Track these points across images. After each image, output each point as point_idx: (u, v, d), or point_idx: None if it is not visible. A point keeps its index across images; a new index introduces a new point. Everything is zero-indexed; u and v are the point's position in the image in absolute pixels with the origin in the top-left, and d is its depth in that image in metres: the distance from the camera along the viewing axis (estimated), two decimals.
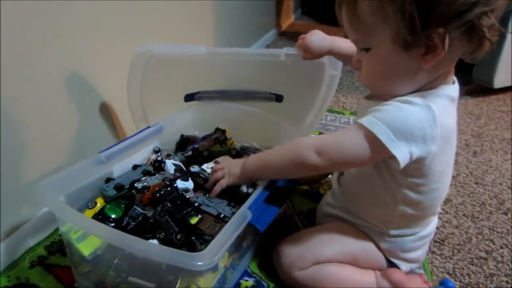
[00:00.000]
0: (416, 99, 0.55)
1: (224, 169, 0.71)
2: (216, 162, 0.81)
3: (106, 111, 0.96)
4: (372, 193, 0.67)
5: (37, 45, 0.73)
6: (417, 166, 0.59)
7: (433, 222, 0.71)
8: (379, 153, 0.57)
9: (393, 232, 0.68)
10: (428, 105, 0.55)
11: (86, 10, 0.83)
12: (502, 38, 1.64)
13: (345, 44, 0.79)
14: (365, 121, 0.56)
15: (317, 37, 0.81)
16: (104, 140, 0.95)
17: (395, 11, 0.50)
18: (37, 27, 0.72)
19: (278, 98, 1.00)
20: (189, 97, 0.97)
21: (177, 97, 0.97)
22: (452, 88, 0.60)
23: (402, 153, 0.55)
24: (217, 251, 0.52)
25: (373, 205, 0.69)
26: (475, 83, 1.82)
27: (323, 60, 0.89)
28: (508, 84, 1.82)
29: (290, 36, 2.81)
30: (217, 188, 0.71)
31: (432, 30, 0.50)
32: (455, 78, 0.62)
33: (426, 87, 0.58)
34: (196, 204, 0.70)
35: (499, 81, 1.75)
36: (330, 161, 0.59)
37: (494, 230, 0.91)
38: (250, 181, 0.72)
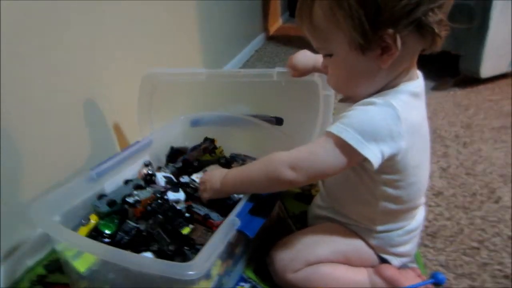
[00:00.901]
0: (378, 99, 0.58)
1: (206, 183, 0.72)
2: (205, 172, 0.83)
3: (106, 128, 0.99)
4: (353, 193, 0.69)
5: (39, 62, 0.76)
6: (391, 163, 0.60)
7: (419, 215, 0.73)
8: (352, 158, 0.58)
9: (379, 228, 0.69)
10: (389, 103, 0.57)
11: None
12: (485, 28, 1.67)
13: None
14: (334, 128, 0.58)
15: (303, 56, 0.87)
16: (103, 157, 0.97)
17: (344, 17, 0.53)
18: (35, 44, 0.75)
19: (278, 121, 1.02)
20: (195, 123, 1.00)
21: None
22: (415, 84, 0.61)
23: (374, 154, 0.56)
24: (206, 259, 0.54)
25: (356, 204, 0.70)
26: (463, 74, 1.84)
27: (315, 79, 0.94)
28: (495, 73, 1.83)
29: (279, 40, 2.83)
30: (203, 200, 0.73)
31: (382, 31, 0.53)
32: (419, 73, 0.64)
33: (389, 86, 0.60)
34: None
35: (486, 70, 1.77)
36: (306, 175, 0.60)
37: (485, 220, 0.93)
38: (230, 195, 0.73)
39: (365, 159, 0.57)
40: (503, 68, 1.85)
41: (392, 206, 0.66)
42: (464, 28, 1.77)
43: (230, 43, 2.10)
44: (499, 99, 1.69)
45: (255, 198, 0.68)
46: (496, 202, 0.99)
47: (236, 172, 0.70)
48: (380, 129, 0.56)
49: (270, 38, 2.88)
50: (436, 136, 1.36)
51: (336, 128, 0.57)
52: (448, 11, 0.54)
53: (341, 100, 0.70)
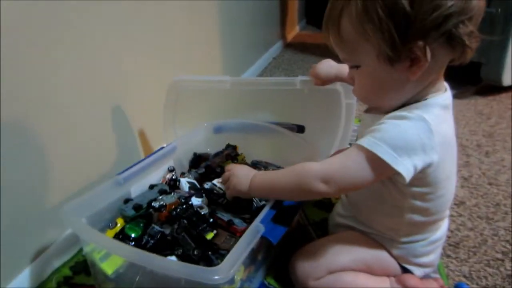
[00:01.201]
0: (410, 113, 0.58)
1: (232, 181, 0.71)
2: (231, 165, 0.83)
3: (130, 134, 1.01)
4: (379, 204, 0.69)
5: (68, 71, 0.79)
6: (422, 176, 0.60)
7: (443, 226, 0.72)
8: (384, 172, 0.58)
9: (403, 239, 0.69)
10: (422, 117, 0.57)
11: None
12: (507, 36, 1.65)
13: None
14: (365, 142, 0.57)
15: (325, 65, 0.89)
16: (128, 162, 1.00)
17: (373, 30, 0.53)
18: (63, 53, 0.78)
19: (300, 129, 1.03)
20: (218, 129, 1.02)
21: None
22: (444, 96, 0.61)
23: (407, 168, 0.56)
24: (232, 265, 0.55)
25: (380, 215, 0.70)
26: (484, 82, 1.82)
27: (337, 88, 0.95)
28: None
29: (296, 47, 2.84)
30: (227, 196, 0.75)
31: (412, 44, 0.53)
32: (446, 85, 0.64)
33: (416, 97, 0.60)
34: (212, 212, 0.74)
35: (508, 79, 1.74)
36: (337, 188, 0.61)
37: (509, 231, 0.91)
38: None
39: (397, 173, 0.56)
40: None
41: (418, 218, 0.66)
42: (486, 36, 1.76)
43: (249, 51, 2.12)
44: None
45: (278, 206, 0.69)
46: None
47: (265, 178, 0.69)
48: (413, 143, 0.56)
49: (288, 46, 2.89)
50: (457, 145, 1.34)
51: (368, 142, 0.57)
52: (478, 22, 0.54)
53: (367, 111, 0.70)
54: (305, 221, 0.94)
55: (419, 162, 0.57)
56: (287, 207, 0.70)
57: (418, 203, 0.64)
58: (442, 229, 0.72)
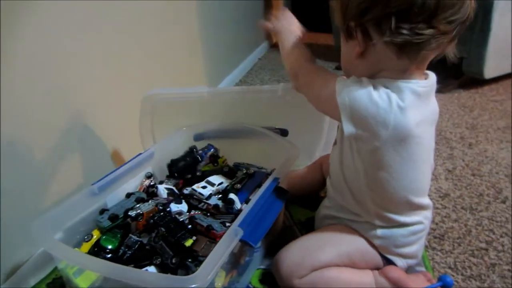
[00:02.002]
0: (380, 86, 0.61)
1: (284, 25, 0.79)
2: (208, 182, 0.83)
3: (107, 147, 0.99)
4: (347, 180, 0.71)
5: (38, 86, 0.76)
6: (367, 148, 0.63)
7: (424, 217, 0.71)
8: (332, 110, 0.63)
9: (377, 222, 0.69)
10: (389, 93, 0.59)
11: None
12: (487, 29, 1.66)
13: None
14: (340, 81, 0.63)
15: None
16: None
17: (336, 7, 0.63)
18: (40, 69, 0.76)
19: (283, 133, 1.01)
20: (198, 137, 1.00)
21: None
22: (419, 83, 0.61)
23: (343, 101, 0.61)
24: (209, 271, 0.53)
25: (350, 192, 0.72)
26: (466, 76, 1.83)
27: None
28: (498, 73, 1.83)
29: None
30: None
31: (348, 22, 0.61)
32: (429, 74, 0.65)
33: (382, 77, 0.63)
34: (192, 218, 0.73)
35: (489, 71, 1.76)
36: (299, 83, 0.75)
37: (493, 220, 0.91)
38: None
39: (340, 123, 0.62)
40: (506, 69, 1.84)
41: (377, 197, 0.68)
42: (466, 30, 1.77)
43: (233, 52, 2.10)
44: (503, 99, 1.68)
45: (258, 205, 0.68)
46: (503, 202, 0.98)
47: (291, 44, 0.76)
48: (368, 107, 0.59)
49: (274, 46, 2.89)
50: (441, 138, 1.35)
51: (342, 82, 0.63)
52: (438, 23, 0.55)
53: None
54: (291, 222, 0.93)
55: (364, 127, 0.60)
56: (268, 208, 0.69)
57: (372, 181, 0.67)
58: (423, 220, 0.71)
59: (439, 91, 1.97)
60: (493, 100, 1.68)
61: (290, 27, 0.78)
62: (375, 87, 0.60)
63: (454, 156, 1.22)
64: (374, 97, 0.59)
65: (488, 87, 1.82)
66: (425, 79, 0.64)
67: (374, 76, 0.63)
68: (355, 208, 0.72)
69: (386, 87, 0.60)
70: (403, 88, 0.60)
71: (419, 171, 0.67)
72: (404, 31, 0.55)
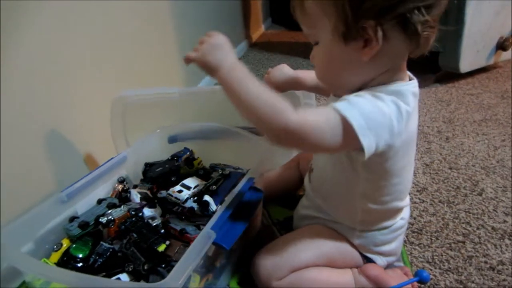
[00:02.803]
0: (384, 96, 0.55)
1: (202, 47, 0.60)
2: (183, 185, 0.81)
3: (76, 153, 0.96)
4: (336, 187, 0.68)
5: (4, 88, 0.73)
6: (380, 161, 0.59)
7: (403, 215, 0.71)
8: (348, 141, 0.53)
9: (360, 227, 0.68)
10: (395, 100, 0.55)
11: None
12: (461, 24, 1.69)
13: (309, 77, 0.81)
14: (340, 105, 0.53)
15: (280, 73, 0.83)
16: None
17: (331, 3, 0.52)
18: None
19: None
20: (172, 139, 0.98)
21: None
22: (413, 83, 0.59)
23: (370, 143, 0.52)
24: (180, 277, 0.52)
25: (338, 199, 0.69)
26: (443, 70, 1.86)
27: (296, 92, 0.91)
28: (474, 67, 1.86)
29: (262, 46, 2.83)
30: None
31: (364, 22, 0.51)
32: (411, 75, 0.62)
33: (373, 83, 0.58)
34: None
35: (465, 65, 1.80)
36: (302, 143, 0.55)
37: (470, 213, 0.92)
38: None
39: (359, 148, 0.53)
40: (481, 62, 1.88)
41: (373, 206, 0.65)
42: (441, 25, 1.79)
43: None
44: (479, 93, 1.71)
45: (232, 207, 0.67)
46: (480, 194, 0.99)
47: (243, 76, 0.56)
48: (383, 121, 0.53)
49: (253, 45, 2.88)
50: (419, 132, 1.34)
51: (342, 106, 0.53)
52: (439, 14, 0.53)
53: (335, 94, 0.68)
54: (269, 221, 0.92)
55: (382, 142, 0.54)
56: (242, 208, 0.68)
57: (371, 189, 0.63)
58: (402, 218, 0.71)
59: None
60: (469, 94, 1.71)
61: (226, 57, 0.58)
62: (379, 98, 0.55)
63: (432, 150, 1.23)
64: (384, 110, 0.54)
65: (465, 81, 1.86)
66: (409, 78, 0.62)
67: (370, 82, 0.58)
68: (339, 216, 0.71)
69: (389, 95, 0.55)
70: (404, 92, 0.56)
71: (411, 172, 0.67)
72: (431, 24, 0.52)
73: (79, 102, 0.94)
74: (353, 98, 0.55)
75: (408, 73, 0.62)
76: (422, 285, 0.72)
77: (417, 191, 1.02)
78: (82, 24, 0.94)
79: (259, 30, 3.25)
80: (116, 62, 1.11)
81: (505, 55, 1.94)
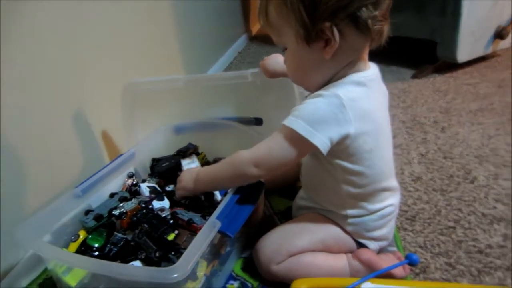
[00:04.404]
0: (325, 91, 0.63)
1: (180, 183, 0.78)
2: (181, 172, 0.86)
3: (90, 144, 1.02)
4: (320, 180, 0.74)
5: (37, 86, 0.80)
6: (342, 148, 0.65)
7: (393, 200, 0.76)
8: (303, 147, 0.64)
9: (350, 213, 0.73)
10: (335, 93, 0.62)
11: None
12: (458, 14, 1.71)
13: None
14: (286, 121, 0.64)
15: (273, 60, 0.93)
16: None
17: (288, 12, 0.60)
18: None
19: (258, 122, 1.06)
20: (179, 130, 1.04)
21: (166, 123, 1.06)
22: (361, 74, 0.65)
23: (322, 141, 0.62)
24: (189, 262, 0.57)
25: (324, 190, 0.75)
26: (441, 60, 1.88)
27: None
28: (471, 57, 1.88)
29: (261, 39, 2.85)
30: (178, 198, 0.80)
31: (320, 24, 0.58)
32: (370, 64, 0.68)
33: (337, 77, 0.65)
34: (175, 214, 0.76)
35: (462, 55, 1.82)
36: (268, 169, 0.68)
37: (461, 200, 0.97)
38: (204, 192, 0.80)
39: (314, 146, 0.61)
40: (479, 52, 1.90)
41: (354, 190, 0.71)
42: (438, 16, 1.82)
43: (212, 47, 2.12)
44: (476, 82, 1.73)
45: (236, 198, 0.72)
46: (472, 182, 1.03)
47: (206, 172, 0.76)
48: (326, 117, 0.62)
49: (253, 39, 2.91)
50: (415, 123, 1.40)
51: (288, 121, 0.64)
52: (387, 8, 0.59)
53: (307, 90, 0.75)
54: (271, 211, 0.97)
55: (334, 134, 0.62)
56: (245, 199, 0.73)
57: (348, 175, 0.69)
58: (391, 204, 0.75)
59: (414, 76, 2.03)
60: (466, 84, 1.73)
61: (190, 178, 0.77)
62: (320, 95, 0.63)
63: (428, 140, 1.27)
64: (324, 106, 0.62)
65: (462, 71, 1.87)
66: (366, 69, 0.67)
67: (333, 77, 0.65)
68: (328, 204, 0.76)
69: (334, 86, 0.64)
70: (348, 82, 0.64)
71: (385, 156, 0.72)
72: (379, 18, 0.58)
73: (93, 92, 1.01)
74: (298, 107, 0.64)
75: (369, 63, 0.68)
76: (413, 268, 0.78)
77: (412, 180, 1.06)
78: (91, 23, 1.00)
79: (259, 23, 3.27)
80: (122, 57, 1.16)
81: (504, 44, 1.96)
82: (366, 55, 0.66)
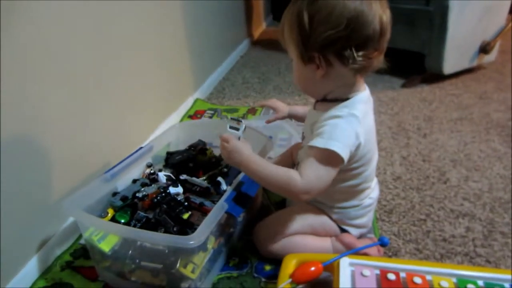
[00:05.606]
0: (340, 112, 0.74)
1: (231, 152, 0.79)
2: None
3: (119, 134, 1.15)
4: None
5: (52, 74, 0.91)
6: (352, 155, 0.77)
7: (373, 194, 0.90)
8: (338, 163, 0.74)
9: (338, 205, 0.87)
10: (352, 113, 0.74)
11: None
12: (444, 29, 1.85)
13: (300, 110, 1.04)
14: (319, 143, 0.72)
15: (280, 103, 1.07)
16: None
17: (292, 37, 0.73)
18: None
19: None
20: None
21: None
22: (364, 93, 0.79)
23: (346, 154, 0.73)
24: (202, 234, 0.71)
25: None
26: (428, 71, 2.02)
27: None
28: (457, 69, 2.02)
29: (263, 44, 2.95)
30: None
31: (311, 53, 0.71)
32: (366, 86, 0.82)
33: (335, 93, 0.78)
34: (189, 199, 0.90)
35: (448, 68, 1.96)
36: (318, 193, 0.76)
37: (434, 197, 1.11)
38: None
39: (343, 161, 0.73)
40: (464, 65, 2.04)
41: (346, 188, 0.84)
42: (427, 30, 1.96)
43: (217, 51, 2.23)
44: (460, 93, 1.88)
45: (239, 187, 0.86)
46: (445, 182, 1.18)
47: (259, 166, 0.77)
48: (351, 135, 0.73)
49: (255, 43, 3.01)
50: (400, 129, 1.54)
51: (321, 142, 0.72)
52: (379, 47, 0.71)
53: (314, 107, 0.87)
54: (268, 201, 1.11)
55: (353, 146, 0.74)
56: (244, 194, 0.87)
57: (347, 176, 0.82)
58: (370, 197, 0.90)
59: (403, 86, 2.16)
60: (451, 94, 1.88)
61: (241, 157, 0.78)
62: (338, 116, 0.73)
63: (410, 145, 1.42)
64: (346, 125, 0.73)
65: (449, 82, 2.02)
66: (364, 90, 0.81)
67: (330, 93, 0.78)
68: (320, 198, 0.89)
69: (346, 107, 0.75)
70: (354, 102, 0.76)
71: (372, 162, 0.86)
72: (360, 59, 0.69)
73: (99, 98, 1.13)
74: (323, 130, 0.73)
75: (364, 85, 0.81)
76: (386, 251, 0.92)
77: (393, 179, 1.21)
78: (100, 26, 1.10)
79: (261, 27, 3.37)
80: (133, 59, 1.29)
81: (488, 58, 2.10)
82: (362, 78, 0.79)
